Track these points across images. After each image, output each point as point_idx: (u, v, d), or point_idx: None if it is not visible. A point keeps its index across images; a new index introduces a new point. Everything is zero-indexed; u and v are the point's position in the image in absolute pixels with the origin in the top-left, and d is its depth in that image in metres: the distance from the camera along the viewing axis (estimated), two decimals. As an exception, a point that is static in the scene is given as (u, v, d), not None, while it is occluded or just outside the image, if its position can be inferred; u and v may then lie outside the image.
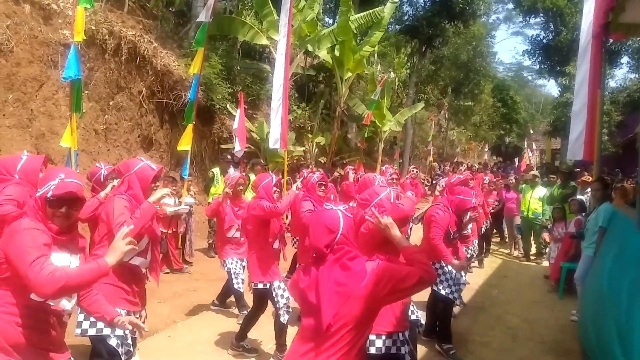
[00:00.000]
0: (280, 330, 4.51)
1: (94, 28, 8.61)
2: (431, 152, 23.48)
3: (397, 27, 21.67)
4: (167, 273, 7.38)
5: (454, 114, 29.79)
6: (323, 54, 13.27)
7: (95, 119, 8.58)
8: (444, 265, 4.83)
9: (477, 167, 22.76)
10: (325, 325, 2.18)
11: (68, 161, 5.77)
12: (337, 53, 13.23)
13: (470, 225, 6.50)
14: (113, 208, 2.99)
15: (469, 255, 6.46)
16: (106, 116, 8.81)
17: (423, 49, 20.95)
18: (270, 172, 5.28)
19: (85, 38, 6.82)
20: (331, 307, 2.19)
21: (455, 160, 33.22)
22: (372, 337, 3.03)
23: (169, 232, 7.51)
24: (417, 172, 9.90)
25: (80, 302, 2.81)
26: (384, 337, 3.07)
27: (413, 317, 3.85)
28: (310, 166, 11.73)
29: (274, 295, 4.43)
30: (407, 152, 20.64)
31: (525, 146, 28.40)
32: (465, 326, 5.95)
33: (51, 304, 2.21)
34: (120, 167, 3.30)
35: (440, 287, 4.85)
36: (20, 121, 7.16)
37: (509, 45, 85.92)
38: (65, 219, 2.26)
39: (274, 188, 4.56)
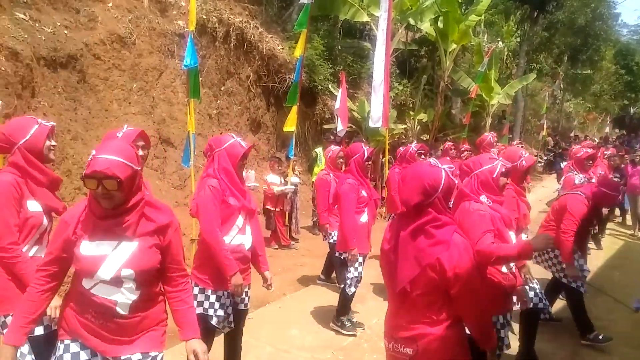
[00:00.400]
0: (344, 300, 4.63)
1: (205, 17, 9.13)
2: (544, 126, 21.99)
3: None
4: (276, 249, 7.79)
5: (571, 83, 27.50)
6: (426, 27, 12.88)
7: (209, 104, 9.15)
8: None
9: (597, 141, 21.01)
10: (398, 288, 2.16)
11: (187, 144, 6.24)
12: (440, 25, 12.78)
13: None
14: (198, 201, 3.16)
15: None
16: (218, 101, 9.36)
17: (535, 15, 19.54)
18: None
19: (196, 27, 7.33)
20: (406, 271, 2.15)
21: (572, 134, 30.87)
22: None
23: (277, 210, 7.89)
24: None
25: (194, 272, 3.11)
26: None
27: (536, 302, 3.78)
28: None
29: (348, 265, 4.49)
30: (517, 126, 19.55)
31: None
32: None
33: (96, 294, 2.07)
34: (211, 142, 3.36)
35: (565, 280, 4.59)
36: (144, 108, 7.83)
37: (635, 4, 77.08)
38: (107, 200, 1.98)
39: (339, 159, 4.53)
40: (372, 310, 5.21)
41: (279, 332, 4.76)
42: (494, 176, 3.01)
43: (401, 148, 6.66)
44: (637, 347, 4.73)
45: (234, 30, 9.64)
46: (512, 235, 3.07)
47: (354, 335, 4.72)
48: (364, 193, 4.49)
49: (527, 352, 4.10)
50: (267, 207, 8.03)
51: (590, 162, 5.87)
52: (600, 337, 4.67)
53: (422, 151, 5.50)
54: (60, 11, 7.10)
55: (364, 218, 4.48)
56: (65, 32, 6.90)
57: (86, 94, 6.90)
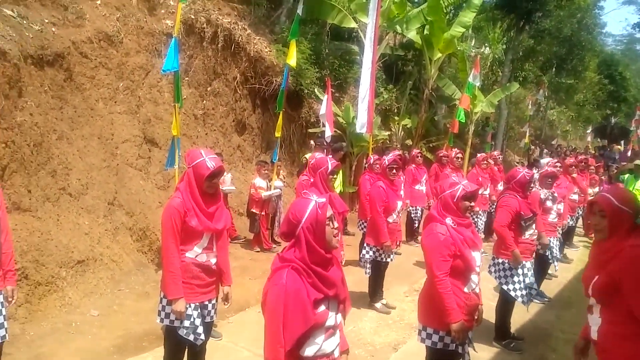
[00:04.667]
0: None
1: (193, 17, 9.16)
2: (527, 134, 22.31)
3: (493, 0, 20.61)
4: (258, 252, 7.91)
5: (555, 92, 27.89)
6: (412, 35, 13.06)
7: (195, 105, 9.20)
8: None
9: (579, 151, 21.39)
10: None
11: (172, 147, 6.31)
12: (426, 33, 12.97)
13: (554, 211, 6.32)
14: (162, 219, 3.23)
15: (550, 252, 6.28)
16: (204, 102, 9.41)
17: (521, 24, 19.80)
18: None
19: (184, 27, 7.33)
20: None
21: (555, 142, 31.35)
22: (429, 330, 3.23)
23: (262, 214, 7.99)
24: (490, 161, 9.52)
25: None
26: (440, 333, 3.24)
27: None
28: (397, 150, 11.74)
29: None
30: (500, 134, 19.83)
31: (632, 127, 26.10)
32: (549, 321, 5.87)
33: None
34: (186, 155, 3.33)
35: (509, 286, 4.84)
36: (130, 107, 7.85)
37: (620, 16, 78.43)
38: None
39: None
40: (348, 318, 5.35)
41: (257, 336, 4.83)
42: (454, 200, 3.19)
43: (371, 157, 6.80)
44: (599, 360, 4.93)
45: (222, 31, 9.68)
46: (477, 255, 3.24)
47: None
48: None
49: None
50: (252, 210, 8.12)
51: (550, 180, 6.11)
52: (512, 345, 5.04)
53: (395, 165, 5.66)
54: (49, 8, 7.08)
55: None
56: (53, 29, 6.89)
57: (72, 92, 6.91)
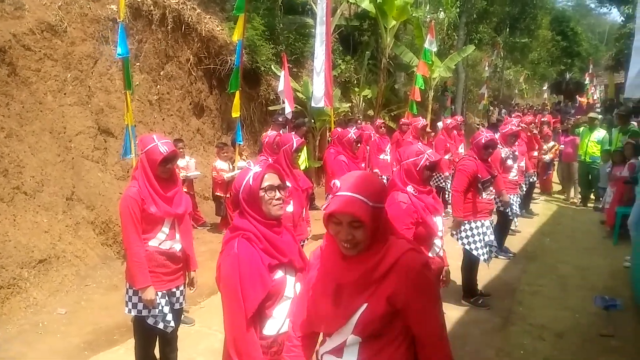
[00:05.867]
0: None
1: (139, 0, 8.85)
2: (485, 95, 22.66)
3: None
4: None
5: (510, 52, 28.31)
6: (365, 4, 12.96)
7: (149, 90, 8.95)
8: (472, 221, 4.92)
9: (536, 108, 21.86)
10: None
11: (127, 134, 6.15)
12: (379, 1, 12.88)
13: (515, 169, 6.48)
14: (120, 209, 3.15)
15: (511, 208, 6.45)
16: (158, 86, 9.16)
17: (473, -15, 19.91)
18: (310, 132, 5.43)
19: (130, 11, 7.02)
20: None
21: (513, 102, 31.97)
22: None
23: (227, 196, 7.92)
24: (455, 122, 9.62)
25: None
26: None
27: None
28: (359, 121, 11.76)
29: None
30: (459, 97, 20.05)
31: (587, 81, 26.82)
32: (514, 276, 6.06)
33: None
34: (138, 142, 3.26)
35: (471, 246, 4.97)
36: (80, 98, 7.59)
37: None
38: None
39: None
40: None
41: (230, 319, 4.88)
42: (417, 169, 3.21)
43: (338, 129, 6.81)
44: (564, 309, 5.15)
45: (171, 12, 9.38)
46: (438, 220, 3.29)
47: None
48: (288, 184, 4.60)
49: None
50: (217, 193, 8.05)
51: (513, 138, 6.25)
52: (480, 302, 5.20)
53: (359, 140, 5.70)
54: (-17, 0, 6.74)
55: (289, 208, 4.45)
56: (-10, 22, 6.58)
57: (18, 87, 6.62)
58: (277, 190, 2.14)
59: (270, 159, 5.69)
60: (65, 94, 7.36)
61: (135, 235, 3.08)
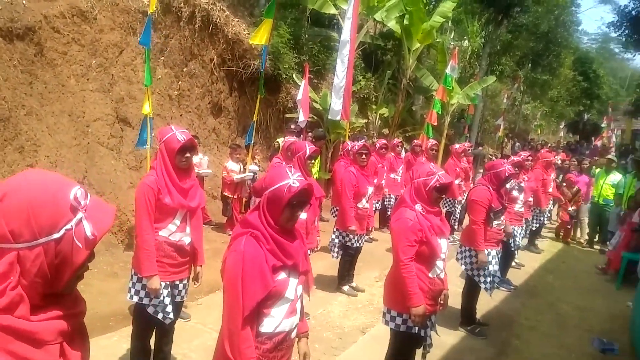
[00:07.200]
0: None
1: (170, -4, 9.00)
2: (502, 127, 22.64)
3: (472, -7, 20.71)
4: (230, 235, 7.86)
5: (530, 87, 28.33)
6: (392, 24, 13.05)
7: (170, 85, 9.06)
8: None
9: (550, 145, 21.82)
10: None
11: (144, 126, 6.23)
12: (406, 23, 12.98)
13: (521, 201, 6.46)
14: (135, 196, 3.20)
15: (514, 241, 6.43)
16: (180, 82, 9.27)
17: (499, 18, 19.99)
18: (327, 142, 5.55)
19: (161, 6, 7.14)
20: None
21: (529, 137, 31.89)
22: (393, 313, 3.28)
23: (234, 197, 7.96)
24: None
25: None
26: (404, 316, 3.29)
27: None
28: (373, 137, 11.80)
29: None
30: (475, 126, 20.05)
31: (604, 124, 26.72)
32: (514, 309, 6.01)
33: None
34: (157, 133, 3.32)
35: (474, 272, 4.94)
36: (102, 85, 7.69)
37: (596, 15, 79.80)
38: None
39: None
40: (318, 301, 5.41)
41: (225, 318, 4.88)
42: (427, 189, 3.21)
43: (348, 142, 6.88)
44: (560, 347, 5.10)
45: (200, 11, 9.52)
46: (443, 242, 3.29)
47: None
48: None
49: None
50: (224, 193, 8.08)
51: (517, 169, 6.21)
52: (477, 330, 5.14)
53: (365, 151, 5.73)
54: (19, -21, 6.87)
55: (302, 215, 4.55)
56: (24, 2, 6.69)
57: (43, 68, 6.73)
58: (302, 209, 2.18)
59: (284, 163, 5.75)
60: (88, 79, 7.46)
61: (147, 223, 3.12)
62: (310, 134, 9.44)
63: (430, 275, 3.28)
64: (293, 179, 2.10)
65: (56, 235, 1.14)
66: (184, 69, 9.42)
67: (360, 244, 5.88)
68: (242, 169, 8.11)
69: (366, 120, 13.24)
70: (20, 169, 5.73)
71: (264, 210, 2.12)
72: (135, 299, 3.24)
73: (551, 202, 9.18)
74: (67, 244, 1.15)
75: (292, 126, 9.00)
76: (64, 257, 1.16)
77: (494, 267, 5.01)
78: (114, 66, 7.98)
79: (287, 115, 11.08)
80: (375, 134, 13.18)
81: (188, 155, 3.20)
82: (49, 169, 6.12)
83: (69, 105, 6.94)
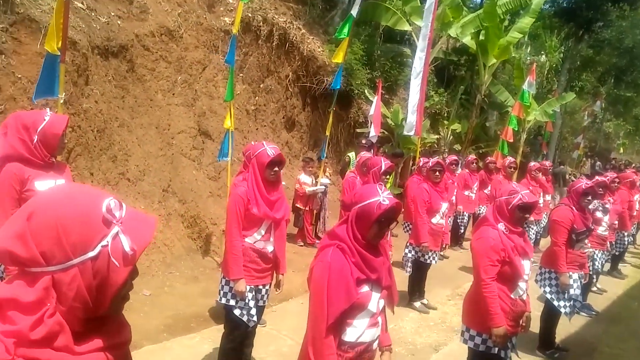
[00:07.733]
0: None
1: (250, 15, 9.40)
2: (581, 145, 21.57)
3: (552, 8, 20.09)
4: (302, 246, 8.05)
5: (612, 104, 26.83)
6: (467, 40, 12.92)
7: (247, 100, 9.44)
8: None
9: (635, 165, 20.51)
10: None
11: (225, 140, 6.53)
12: (481, 38, 12.79)
13: (605, 223, 6.14)
14: (227, 204, 3.44)
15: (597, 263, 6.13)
16: (257, 98, 9.63)
17: (580, 33, 19.22)
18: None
19: (241, 25, 7.52)
20: None
21: (610, 156, 30.16)
22: (472, 332, 3.23)
23: (306, 209, 8.13)
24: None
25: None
26: (483, 336, 3.24)
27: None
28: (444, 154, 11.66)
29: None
30: (553, 143, 19.27)
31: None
32: (595, 335, 5.72)
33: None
34: (249, 148, 3.53)
35: (554, 296, 4.74)
36: (186, 100, 8.15)
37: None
38: None
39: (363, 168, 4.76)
40: (389, 316, 5.40)
41: (300, 326, 4.94)
42: (509, 207, 3.16)
43: (421, 159, 6.86)
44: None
45: (277, 30, 9.89)
46: (526, 264, 3.22)
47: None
48: None
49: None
50: (296, 205, 8.27)
51: (601, 189, 5.87)
52: (556, 356, 4.94)
53: (439, 168, 5.71)
54: (115, 1, 7.43)
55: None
56: (119, 22, 7.24)
57: (134, 83, 7.23)
58: (389, 226, 2.26)
59: (357, 178, 5.84)
60: (173, 94, 7.93)
61: (236, 231, 3.34)
62: (380, 149, 9.50)
63: (512, 296, 3.21)
64: (383, 197, 2.17)
65: (91, 254, 1.04)
66: (261, 85, 9.79)
67: (434, 261, 5.85)
68: (314, 182, 8.28)
69: (438, 136, 13.12)
70: (113, 177, 6.18)
71: (352, 225, 2.20)
72: (224, 300, 3.45)
73: (635, 225, 8.65)
74: (104, 261, 1.05)
75: (363, 141, 9.12)
76: (102, 277, 1.06)
77: (575, 291, 4.80)
78: (197, 82, 8.44)
79: (358, 130, 11.20)
80: (447, 150, 13.01)
81: (277, 169, 3.39)
82: (137, 177, 6.55)
83: (156, 118, 7.40)
